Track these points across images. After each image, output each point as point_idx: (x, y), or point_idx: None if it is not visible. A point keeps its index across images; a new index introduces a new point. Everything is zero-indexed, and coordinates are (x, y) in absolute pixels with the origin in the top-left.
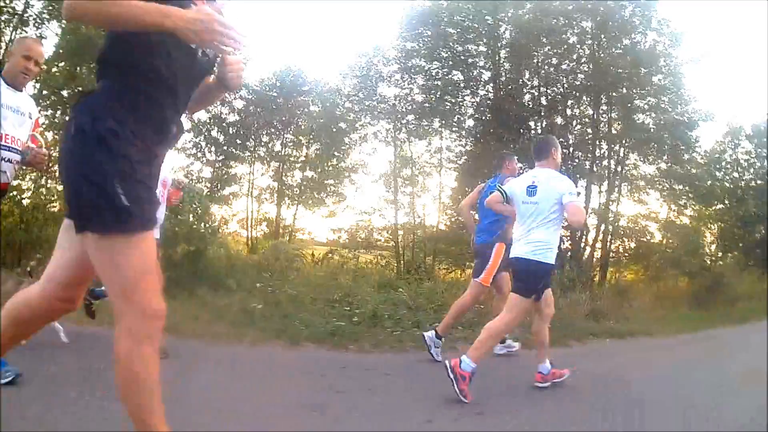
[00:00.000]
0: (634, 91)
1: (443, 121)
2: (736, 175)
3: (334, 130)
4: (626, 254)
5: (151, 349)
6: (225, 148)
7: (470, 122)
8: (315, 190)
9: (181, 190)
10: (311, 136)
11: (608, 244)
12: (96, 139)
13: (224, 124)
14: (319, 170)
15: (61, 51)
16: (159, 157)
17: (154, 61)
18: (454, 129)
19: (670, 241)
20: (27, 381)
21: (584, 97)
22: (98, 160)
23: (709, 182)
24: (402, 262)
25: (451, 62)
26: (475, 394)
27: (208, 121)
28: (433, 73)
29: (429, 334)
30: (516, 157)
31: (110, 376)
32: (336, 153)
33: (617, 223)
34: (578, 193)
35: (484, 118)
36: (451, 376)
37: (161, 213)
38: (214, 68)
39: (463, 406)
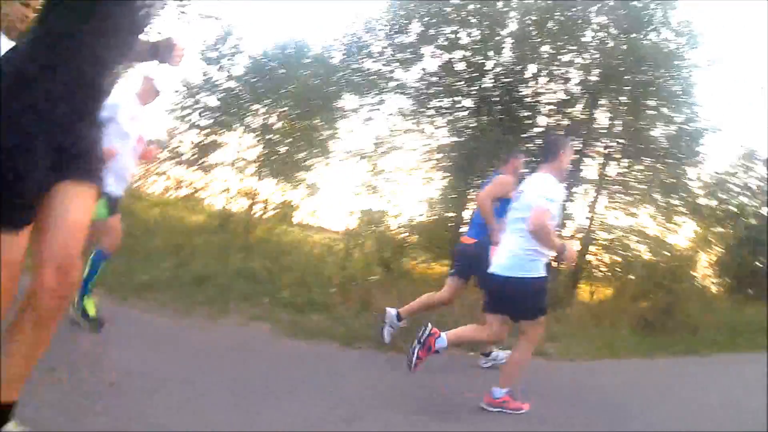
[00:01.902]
0: (641, 91)
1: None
2: (744, 199)
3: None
4: (604, 269)
5: None
6: (217, 115)
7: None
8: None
9: (158, 149)
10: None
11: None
12: None
13: (219, 90)
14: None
15: None
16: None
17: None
18: (448, 117)
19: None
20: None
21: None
22: None
23: (714, 203)
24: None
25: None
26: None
27: (201, 84)
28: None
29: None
30: (523, 158)
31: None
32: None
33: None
34: (555, 201)
35: (482, 110)
36: (496, 410)
37: (131, 167)
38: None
39: None
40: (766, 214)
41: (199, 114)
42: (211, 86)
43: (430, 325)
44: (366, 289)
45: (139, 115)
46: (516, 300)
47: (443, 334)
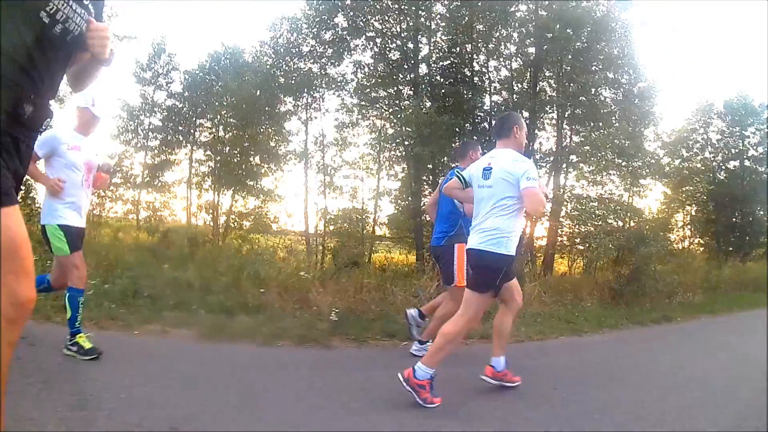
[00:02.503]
0: (581, 59)
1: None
2: (708, 155)
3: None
4: (575, 241)
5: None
6: (162, 135)
7: (407, 103)
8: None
9: (108, 174)
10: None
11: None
12: None
13: (161, 109)
14: (238, 153)
15: None
16: (18, 138)
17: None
18: (392, 111)
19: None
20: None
21: (528, 72)
22: None
23: (678, 162)
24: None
25: (377, 37)
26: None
27: (139, 106)
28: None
29: (412, 312)
30: (479, 148)
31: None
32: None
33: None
34: (537, 178)
35: (424, 99)
36: (408, 388)
37: (86, 197)
38: (83, 45)
39: None
40: (733, 167)
41: (145, 135)
42: (151, 106)
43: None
44: (305, 288)
45: (83, 145)
46: (480, 270)
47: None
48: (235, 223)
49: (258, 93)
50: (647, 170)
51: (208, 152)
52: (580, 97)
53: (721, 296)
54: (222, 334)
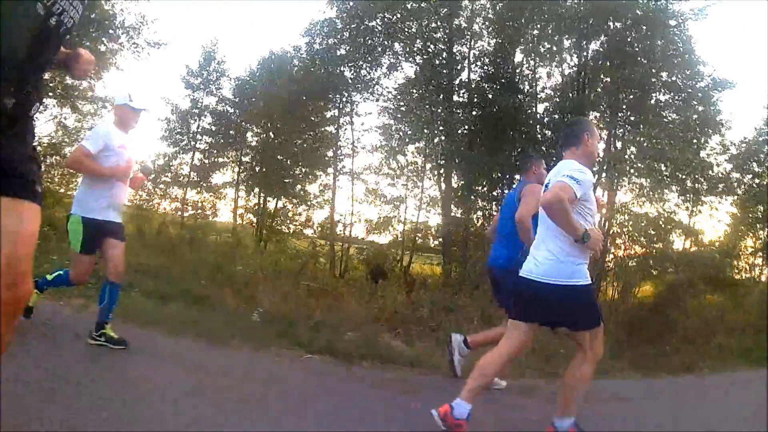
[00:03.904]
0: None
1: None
2: None
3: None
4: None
5: None
6: (211, 138)
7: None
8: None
9: (146, 176)
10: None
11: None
12: None
13: (212, 114)
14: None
15: None
16: None
17: None
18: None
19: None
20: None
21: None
22: None
23: (748, 178)
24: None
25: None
26: None
27: (188, 110)
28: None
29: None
30: (543, 162)
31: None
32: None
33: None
34: (579, 180)
35: (469, 112)
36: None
37: (124, 194)
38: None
39: None
40: None
41: (194, 137)
42: (201, 111)
43: (436, 414)
44: (252, 283)
45: (126, 143)
46: (567, 309)
47: (455, 402)
48: (277, 225)
49: (288, 97)
50: (706, 185)
51: (254, 156)
52: (630, 96)
53: None
54: (139, 317)
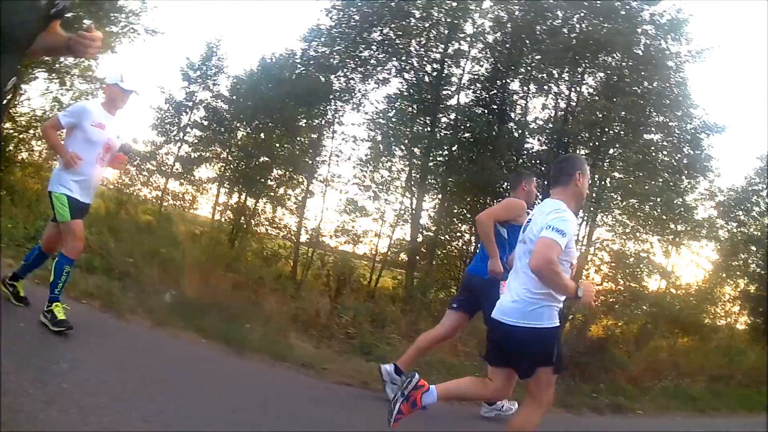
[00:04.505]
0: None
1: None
2: None
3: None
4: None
5: None
6: (201, 132)
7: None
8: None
9: (126, 156)
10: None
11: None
12: None
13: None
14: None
15: None
16: None
17: None
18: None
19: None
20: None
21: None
22: None
23: (734, 226)
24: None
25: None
26: None
27: (182, 102)
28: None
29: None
30: (535, 180)
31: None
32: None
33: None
34: (564, 232)
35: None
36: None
37: (98, 175)
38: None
39: None
40: None
41: (183, 129)
42: (194, 104)
43: (417, 375)
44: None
45: (108, 124)
46: (521, 352)
47: (433, 388)
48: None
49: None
50: (688, 228)
51: (237, 154)
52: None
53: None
54: None
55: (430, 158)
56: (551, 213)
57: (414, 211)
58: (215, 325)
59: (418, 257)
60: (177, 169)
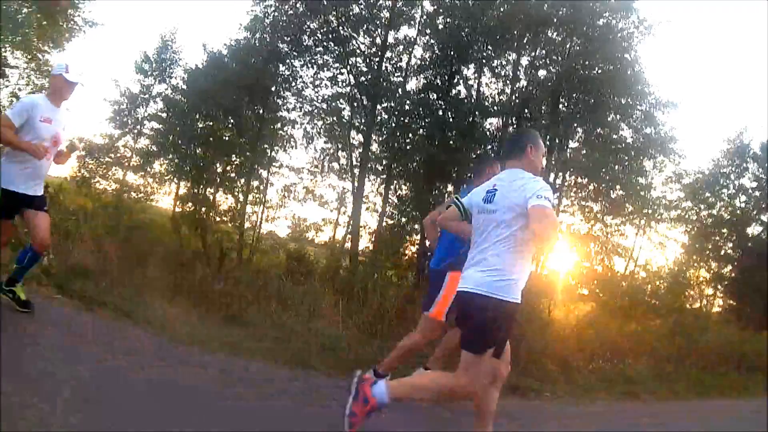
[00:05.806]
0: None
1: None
2: (739, 203)
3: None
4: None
5: None
6: (159, 125)
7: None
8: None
9: (70, 154)
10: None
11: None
12: None
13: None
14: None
15: None
16: None
17: None
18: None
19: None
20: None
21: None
22: None
23: (703, 209)
24: None
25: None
26: None
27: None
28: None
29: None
30: (499, 162)
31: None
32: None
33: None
34: (552, 200)
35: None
36: (354, 389)
37: (46, 167)
38: None
39: None
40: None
41: (139, 122)
42: (149, 97)
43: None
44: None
45: (54, 117)
46: (478, 319)
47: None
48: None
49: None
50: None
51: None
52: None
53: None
54: None
55: (371, 143)
56: (525, 181)
57: (354, 197)
58: (82, 286)
59: (368, 245)
60: (136, 162)
